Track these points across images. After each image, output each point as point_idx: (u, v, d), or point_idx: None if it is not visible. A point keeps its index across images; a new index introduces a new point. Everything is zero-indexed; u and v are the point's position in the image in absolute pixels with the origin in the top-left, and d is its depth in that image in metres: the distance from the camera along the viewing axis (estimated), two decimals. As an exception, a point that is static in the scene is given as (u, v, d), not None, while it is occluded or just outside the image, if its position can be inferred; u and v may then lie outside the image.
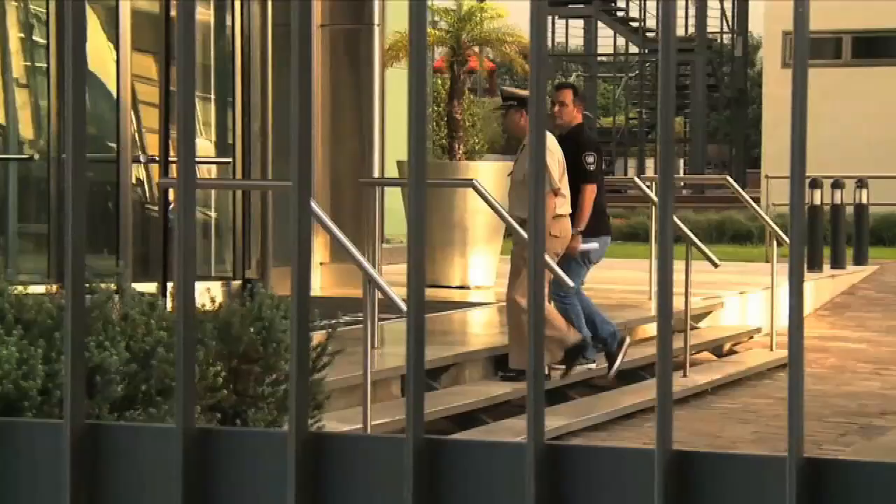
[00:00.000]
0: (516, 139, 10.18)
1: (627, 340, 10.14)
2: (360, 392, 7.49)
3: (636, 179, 13.76)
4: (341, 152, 13.25)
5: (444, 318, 11.09)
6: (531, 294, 1.63)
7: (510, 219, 9.40)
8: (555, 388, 9.53)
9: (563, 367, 9.61)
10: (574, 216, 9.69)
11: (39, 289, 7.76)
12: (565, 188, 9.55)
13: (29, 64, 11.78)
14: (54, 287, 7.81)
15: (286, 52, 10.73)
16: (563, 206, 9.53)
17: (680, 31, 35.75)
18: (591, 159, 9.90)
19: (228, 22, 11.86)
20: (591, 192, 9.86)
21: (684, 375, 10.55)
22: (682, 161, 35.87)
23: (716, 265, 11.06)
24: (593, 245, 9.94)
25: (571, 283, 9.33)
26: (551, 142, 9.44)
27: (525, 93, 10.44)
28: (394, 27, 13.44)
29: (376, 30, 13.24)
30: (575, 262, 9.81)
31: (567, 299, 9.79)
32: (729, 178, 15.07)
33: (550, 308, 9.51)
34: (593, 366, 9.97)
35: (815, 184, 17.04)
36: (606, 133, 38.09)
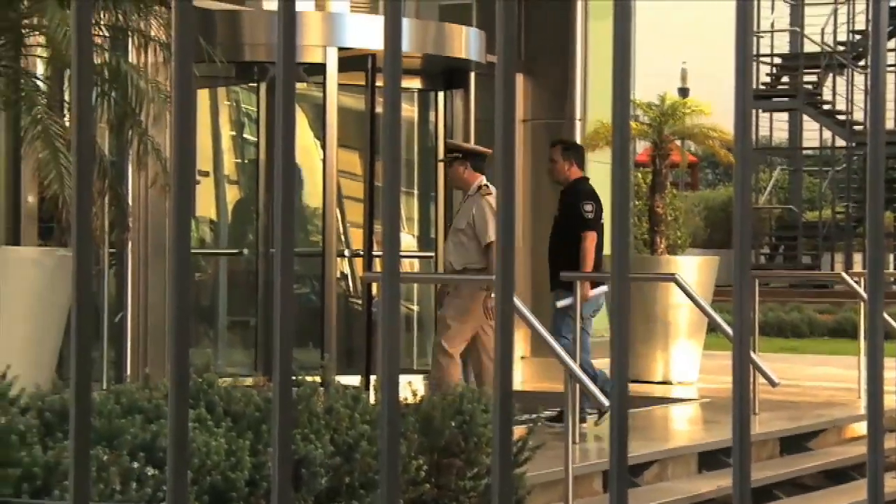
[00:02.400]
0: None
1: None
2: (561, 487, 7.44)
3: (844, 275, 13.48)
4: (543, 246, 13.27)
5: (647, 414, 10.97)
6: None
7: (714, 314, 9.29)
8: (761, 487, 9.34)
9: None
10: (577, 266, 9.77)
11: (247, 381, 7.92)
12: None
13: (239, 161, 12.11)
14: (261, 379, 7.97)
15: (489, 146, 10.78)
16: None
17: (889, 124, 35.13)
18: (589, 207, 9.99)
19: (431, 117, 12.04)
20: (591, 238, 9.89)
21: (896, 476, 10.24)
22: (891, 256, 35.08)
23: (928, 362, 10.75)
24: (568, 301, 9.81)
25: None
26: (494, 196, 9.56)
27: (468, 146, 10.46)
28: (595, 121, 13.48)
29: (578, 124, 13.29)
30: (562, 316, 9.81)
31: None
32: (941, 273, 14.66)
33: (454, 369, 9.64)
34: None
35: None
36: (812, 227, 37.49)
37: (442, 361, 9.70)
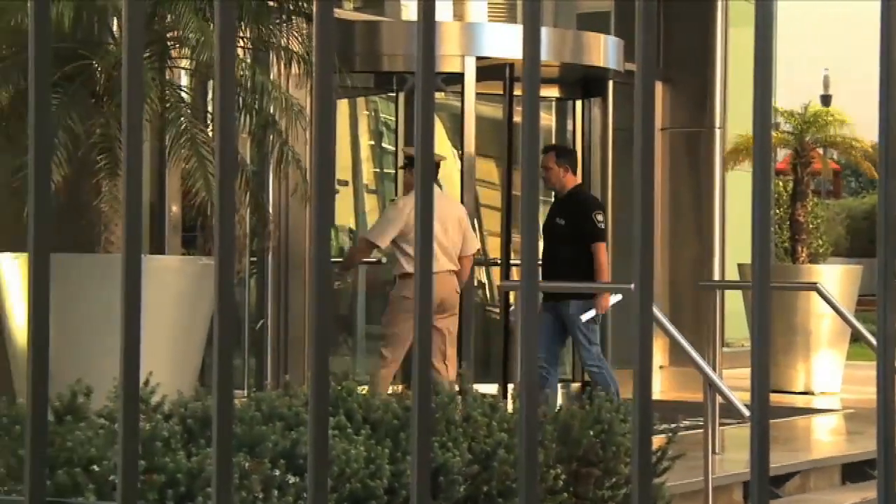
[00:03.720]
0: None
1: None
2: (701, 498, 7.37)
3: None
4: (682, 255, 13.18)
5: (788, 425, 10.84)
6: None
7: (857, 323, 9.15)
8: (905, 500, 9.17)
9: None
10: (591, 276, 9.75)
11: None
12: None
13: (378, 170, 12.20)
14: (400, 387, 8.02)
15: (627, 155, 10.75)
16: (411, 264, 9.52)
17: None
18: (601, 217, 9.99)
19: (570, 126, 12.01)
20: (604, 249, 9.90)
21: None
22: None
23: None
24: (591, 313, 9.79)
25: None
26: (405, 201, 9.71)
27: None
28: (734, 129, 13.36)
29: (717, 132, 13.18)
30: (587, 326, 9.77)
31: (602, 364, 9.78)
32: None
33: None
34: None
35: None
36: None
37: (382, 371, 9.68)
